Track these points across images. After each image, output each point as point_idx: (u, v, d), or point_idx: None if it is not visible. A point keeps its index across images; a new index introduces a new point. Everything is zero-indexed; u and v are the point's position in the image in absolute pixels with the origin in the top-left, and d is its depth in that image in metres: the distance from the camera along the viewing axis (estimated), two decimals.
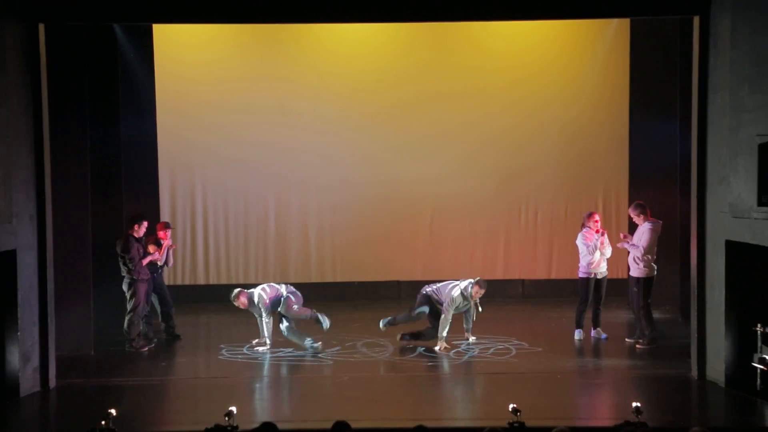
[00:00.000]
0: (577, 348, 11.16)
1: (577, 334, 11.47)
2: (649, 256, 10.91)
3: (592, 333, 11.47)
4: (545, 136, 14.34)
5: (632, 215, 11.14)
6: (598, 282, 11.45)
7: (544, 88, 14.29)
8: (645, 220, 11.00)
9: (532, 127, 14.33)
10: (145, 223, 11.37)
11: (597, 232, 11.38)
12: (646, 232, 10.92)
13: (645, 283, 10.96)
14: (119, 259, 11.20)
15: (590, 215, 11.50)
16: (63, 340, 10.18)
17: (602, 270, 11.43)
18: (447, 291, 11.02)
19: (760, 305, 8.86)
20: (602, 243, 11.34)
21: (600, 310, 11.52)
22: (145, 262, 11.30)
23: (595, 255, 11.33)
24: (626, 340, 11.29)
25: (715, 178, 9.36)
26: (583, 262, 11.41)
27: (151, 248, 11.41)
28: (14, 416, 8.88)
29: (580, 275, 11.50)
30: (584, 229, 11.41)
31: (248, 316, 11.43)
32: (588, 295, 11.46)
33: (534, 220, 14.52)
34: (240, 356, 10.76)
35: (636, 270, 10.97)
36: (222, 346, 11.18)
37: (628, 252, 11.21)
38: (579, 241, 11.45)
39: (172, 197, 14.27)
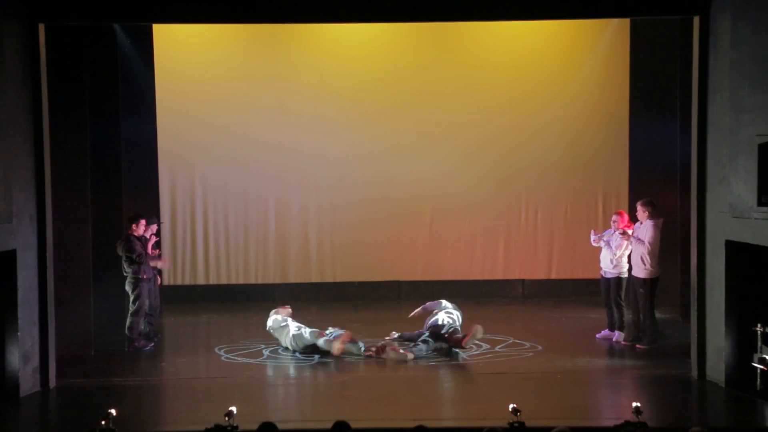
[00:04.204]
0: (579, 347, 11.12)
1: (600, 334, 11.52)
2: (650, 252, 10.88)
3: (614, 336, 11.40)
4: (545, 136, 14.35)
5: (639, 210, 11.04)
6: (609, 282, 11.45)
7: (544, 88, 14.30)
8: (650, 217, 10.98)
9: (532, 127, 14.34)
10: (143, 222, 11.38)
11: (624, 228, 11.34)
12: (651, 228, 10.90)
13: (651, 284, 10.94)
14: (124, 260, 11.19)
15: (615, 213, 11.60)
16: (63, 340, 10.16)
17: (610, 270, 11.39)
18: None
19: (760, 305, 8.85)
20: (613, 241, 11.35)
21: (620, 312, 11.34)
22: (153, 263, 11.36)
23: (603, 252, 11.44)
24: (623, 342, 11.24)
25: (715, 178, 9.36)
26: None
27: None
28: (14, 416, 8.87)
29: None
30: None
31: (248, 316, 11.46)
32: (602, 294, 11.59)
33: (534, 220, 14.53)
34: (239, 356, 10.76)
35: (642, 271, 10.92)
36: (218, 348, 11.15)
37: (630, 252, 11.21)
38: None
39: (172, 197, 14.27)
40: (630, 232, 11.19)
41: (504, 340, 11.28)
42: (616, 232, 11.31)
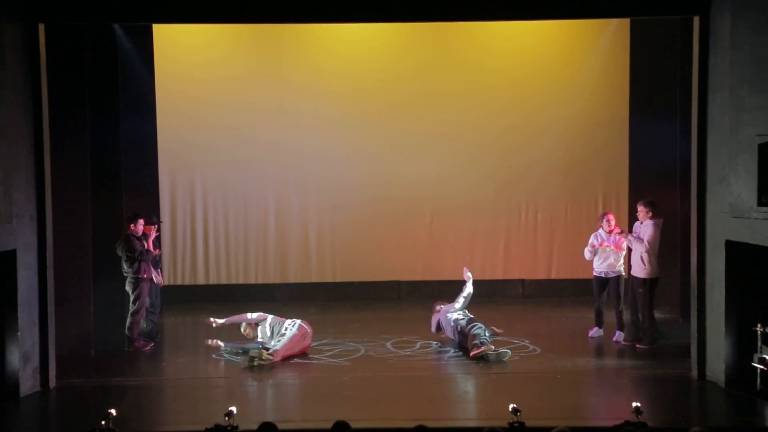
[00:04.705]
0: (579, 347, 11.14)
1: (591, 332, 11.61)
2: (650, 251, 10.89)
3: (615, 335, 11.44)
4: (545, 136, 14.34)
5: (641, 210, 11.06)
6: (607, 282, 11.48)
7: (544, 88, 14.29)
8: (651, 217, 10.99)
9: (532, 127, 14.34)
10: (141, 221, 11.39)
11: (610, 232, 11.41)
12: (651, 227, 10.91)
13: (651, 284, 10.95)
14: (124, 260, 11.21)
15: (602, 215, 11.68)
16: (63, 340, 10.17)
17: (614, 270, 11.44)
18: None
19: (760, 305, 8.85)
20: (618, 242, 11.38)
21: (621, 311, 11.44)
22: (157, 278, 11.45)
23: (595, 257, 11.50)
24: (622, 342, 11.25)
25: (715, 178, 9.36)
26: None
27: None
28: (14, 416, 8.88)
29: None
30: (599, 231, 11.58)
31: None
32: (595, 294, 11.62)
33: (534, 220, 14.52)
34: (239, 356, 10.76)
35: (642, 271, 10.92)
36: (225, 345, 11.14)
37: (630, 251, 11.21)
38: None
39: (172, 197, 14.27)
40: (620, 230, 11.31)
41: (511, 341, 11.28)
42: (614, 233, 11.36)
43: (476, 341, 10.48)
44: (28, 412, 9.05)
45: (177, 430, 8.24)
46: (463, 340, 10.86)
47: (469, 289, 11.49)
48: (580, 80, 14.29)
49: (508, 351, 10.50)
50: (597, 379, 10.00)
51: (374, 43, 14.23)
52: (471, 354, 10.43)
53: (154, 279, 11.56)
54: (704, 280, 9.58)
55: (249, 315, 10.97)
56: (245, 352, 10.50)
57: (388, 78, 14.29)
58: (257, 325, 10.92)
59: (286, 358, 10.51)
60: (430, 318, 11.69)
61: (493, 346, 10.48)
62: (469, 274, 11.60)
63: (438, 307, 11.64)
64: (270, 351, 10.44)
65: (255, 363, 10.26)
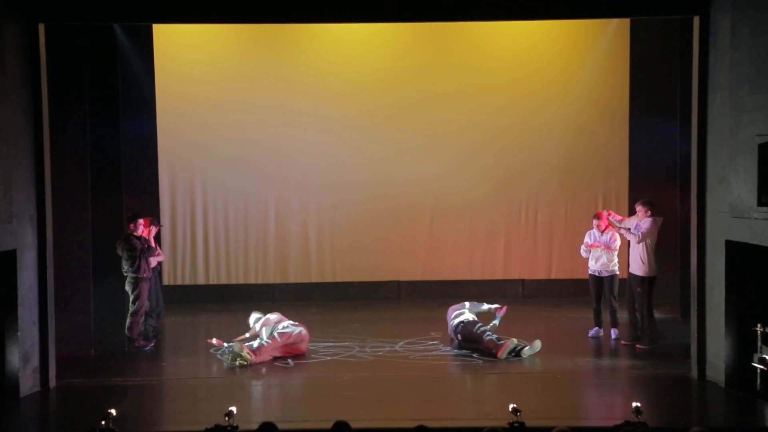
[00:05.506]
0: (579, 347, 11.15)
1: (590, 332, 11.66)
2: (649, 241, 10.88)
3: (612, 334, 11.50)
4: (545, 135, 14.34)
5: (639, 210, 11.08)
6: (602, 281, 11.51)
7: (544, 88, 14.29)
8: (650, 216, 11.01)
9: (532, 127, 14.34)
10: (141, 221, 11.40)
11: (602, 232, 11.46)
12: (648, 223, 10.93)
13: (649, 283, 10.95)
14: (125, 260, 11.21)
15: (594, 215, 11.74)
16: (63, 340, 10.17)
17: (607, 269, 11.48)
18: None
19: (760, 305, 8.86)
20: (608, 242, 11.41)
21: (614, 310, 11.50)
22: (153, 262, 11.37)
23: (590, 255, 11.56)
24: (622, 342, 11.26)
25: (715, 178, 9.36)
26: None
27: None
28: (14, 416, 8.88)
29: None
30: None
31: (248, 316, 11.44)
32: (592, 294, 11.67)
33: (534, 220, 14.52)
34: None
35: (640, 269, 10.94)
36: (228, 342, 11.15)
37: (629, 247, 11.23)
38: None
39: (172, 197, 14.27)
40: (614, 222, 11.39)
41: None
42: (608, 230, 11.41)
43: (498, 342, 10.61)
44: (28, 412, 9.04)
45: (177, 430, 8.24)
46: (466, 344, 10.90)
47: (491, 315, 11.48)
48: (580, 80, 14.29)
49: (538, 343, 10.63)
50: (597, 379, 10.00)
51: (374, 43, 14.23)
52: (498, 354, 10.47)
53: (159, 256, 11.59)
54: (704, 280, 9.58)
55: (258, 330, 10.94)
56: (229, 350, 10.51)
57: (388, 78, 14.29)
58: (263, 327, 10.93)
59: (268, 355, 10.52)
60: (431, 317, 11.67)
61: (515, 340, 10.63)
62: (499, 316, 11.51)
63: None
64: (255, 348, 10.45)
65: (237, 362, 10.23)
